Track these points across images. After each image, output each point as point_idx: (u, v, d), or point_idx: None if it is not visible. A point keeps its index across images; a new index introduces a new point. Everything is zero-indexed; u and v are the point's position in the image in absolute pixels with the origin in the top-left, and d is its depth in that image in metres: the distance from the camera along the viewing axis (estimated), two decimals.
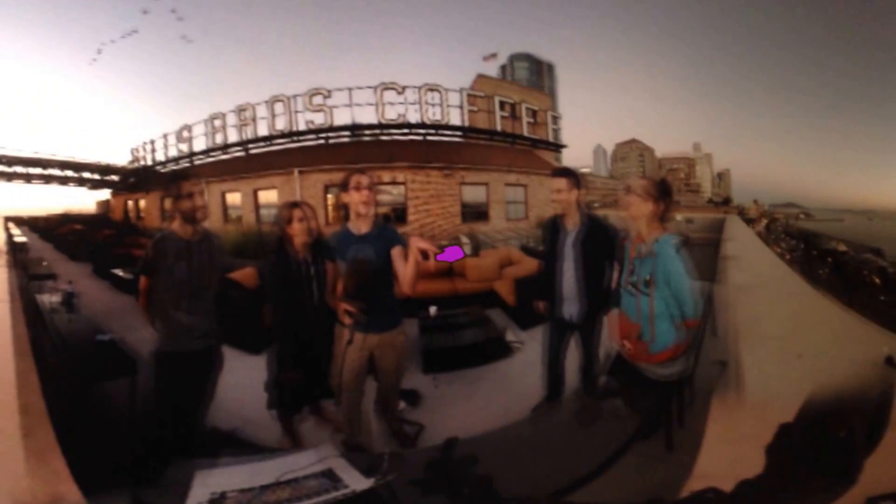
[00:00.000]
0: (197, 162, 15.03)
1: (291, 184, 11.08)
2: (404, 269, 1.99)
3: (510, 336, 3.50)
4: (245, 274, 4.33)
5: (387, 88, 12.44)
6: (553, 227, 2.49)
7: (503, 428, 2.38)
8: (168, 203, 2.00)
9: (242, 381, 2.28)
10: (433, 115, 13.29)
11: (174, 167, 15.40)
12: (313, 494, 1.34)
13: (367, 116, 11.53)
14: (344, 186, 2.08)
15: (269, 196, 12.03)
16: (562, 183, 2.40)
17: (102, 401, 2.48)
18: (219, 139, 14.84)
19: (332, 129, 12.44)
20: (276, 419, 2.19)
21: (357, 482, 1.35)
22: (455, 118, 13.82)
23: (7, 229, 8.51)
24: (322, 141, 12.55)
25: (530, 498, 1.56)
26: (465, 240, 9.12)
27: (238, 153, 14.00)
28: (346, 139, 12.76)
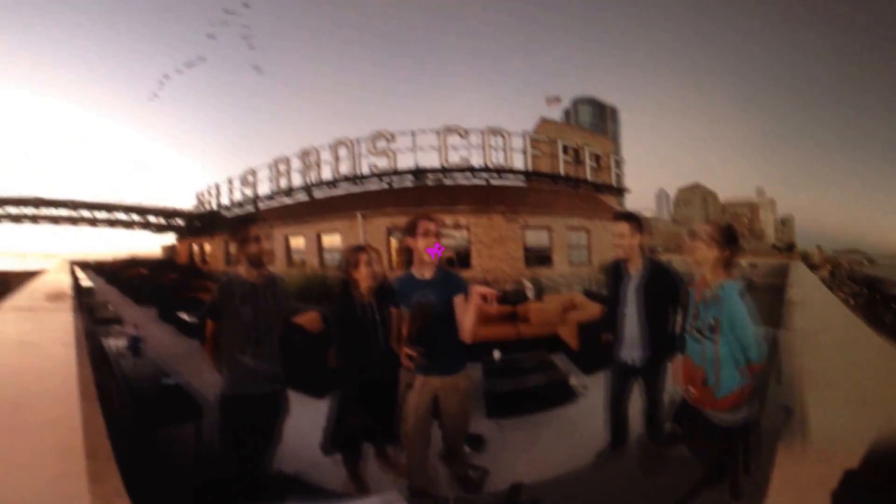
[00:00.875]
0: (261, 206, 15.38)
1: (355, 227, 11.15)
2: (465, 316, 1.93)
3: (574, 380, 3.41)
4: (309, 318, 4.29)
5: (450, 132, 12.52)
6: (616, 272, 2.39)
7: (568, 473, 2.34)
8: (233, 247, 1.97)
9: (307, 424, 2.23)
10: (496, 158, 13.35)
11: (239, 211, 15.77)
12: None
13: (431, 160, 11.59)
14: (410, 231, 2.03)
15: (332, 240, 12.15)
16: (624, 227, 2.31)
17: (168, 445, 2.43)
18: (283, 183, 15.19)
19: (395, 172, 12.56)
20: (340, 464, 2.10)
21: None
22: (518, 162, 13.85)
23: (73, 273, 8.67)
24: (385, 184, 12.66)
25: None
26: (528, 284, 8.98)
27: (302, 197, 14.24)
28: (409, 183, 12.85)
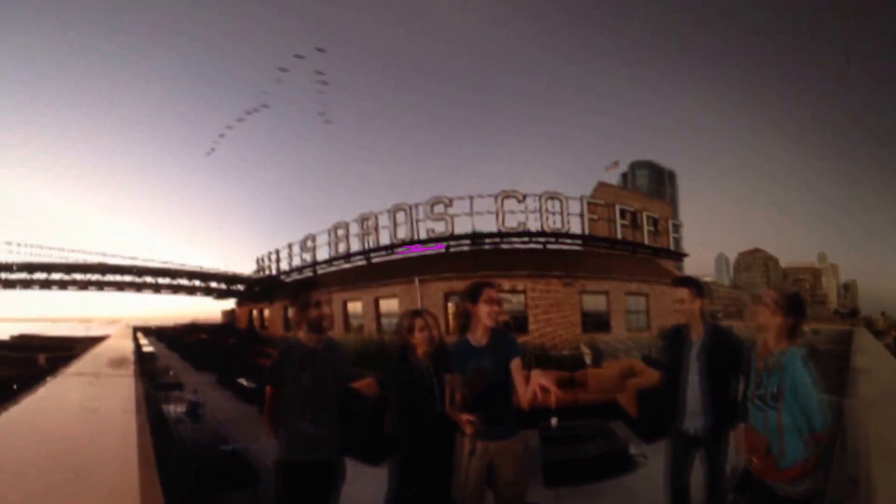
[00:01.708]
0: (320, 271, 15.57)
1: (412, 292, 11.17)
2: (522, 386, 1.88)
3: (633, 449, 3.30)
4: (366, 383, 4.26)
5: (507, 197, 12.55)
6: (676, 338, 2.31)
7: None
8: (292, 312, 1.96)
9: (364, 492, 2.18)
10: (553, 223, 13.28)
11: (298, 276, 15.98)
12: None
13: (488, 224, 11.60)
14: (472, 298, 2.00)
15: (389, 304, 12.19)
16: (684, 292, 2.24)
17: None
18: (341, 248, 15.39)
19: (452, 237, 12.61)
20: None
21: None
22: (575, 226, 13.76)
23: (136, 339, 8.85)
24: (443, 249, 12.69)
25: None
26: (585, 349, 8.81)
27: (360, 262, 14.40)
28: (466, 247, 12.88)
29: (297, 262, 17.10)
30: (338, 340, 2.10)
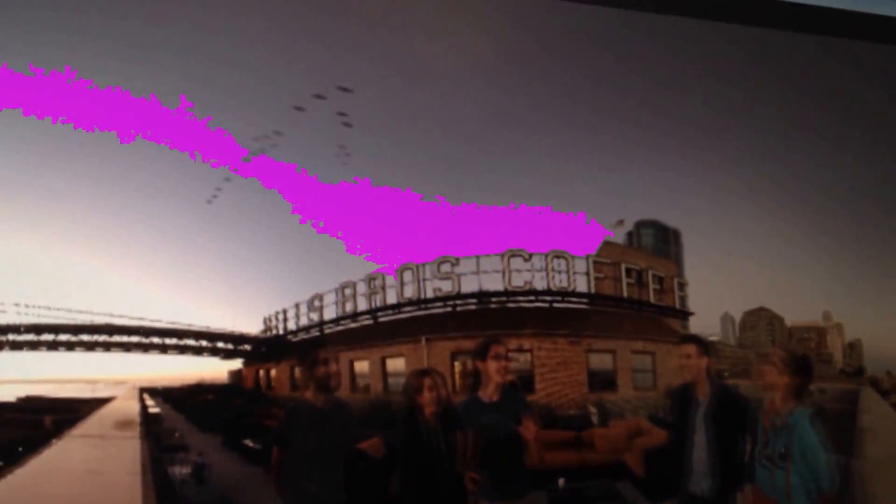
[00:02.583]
0: (326, 331, 15.48)
1: (419, 351, 11.12)
2: (529, 447, 1.95)
3: None
4: (372, 444, 4.25)
5: (514, 256, 12.58)
6: (683, 397, 2.36)
7: None
8: (299, 372, 2.02)
9: None
10: (559, 281, 13.28)
11: (305, 336, 15.88)
12: None
13: (494, 283, 11.62)
14: (481, 355, 2.07)
15: (396, 364, 12.11)
16: (690, 349, 2.31)
17: None
18: (348, 307, 15.33)
19: (459, 296, 12.60)
20: None
21: None
22: (581, 285, 13.73)
23: (142, 400, 8.85)
24: (449, 308, 12.67)
25: None
26: (592, 409, 8.79)
27: (367, 321, 14.34)
28: (472, 306, 12.86)
29: (304, 321, 17.02)
30: (345, 400, 2.15)
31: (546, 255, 14.16)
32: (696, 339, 2.47)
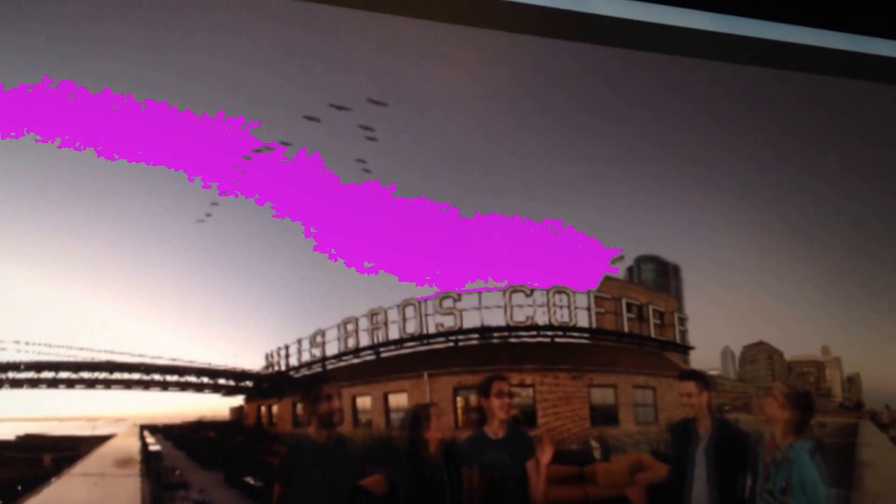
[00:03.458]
0: (329, 366, 15.40)
1: (421, 387, 11.08)
2: (535, 479, 1.99)
3: None
4: (375, 480, 4.26)
5: (515, 291, 12.59)
6: (684, 432, 2.40)
7: None
8: (301, 408, 2.04)
9: None
10: (561, 316, 13.26)
11: (307, 372, 15.82)
12: None
13: (496, 319, 11.62)
14: (484, 392, 2.11)
15: (398, 399, 12.06)
16: (690, 386, 2.37)
17: None
18: (351, 343, 15.28)
19: (461, 331, 12.59)
20: None
21: None
22: (583, 320, 13.70)
23: (142, 438, 8.80)
24: (451, 343, 12.66)
25: None
26: (594, 444, 8.73)
27: (369, 356, 14.29)
28: (474, 341, 12.84)
29: (306, 356, 16.92)
30: (348, 436, 2.17)
31: (548, 291, 14.17)
32: (695, 376, 2.51)
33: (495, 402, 2.22)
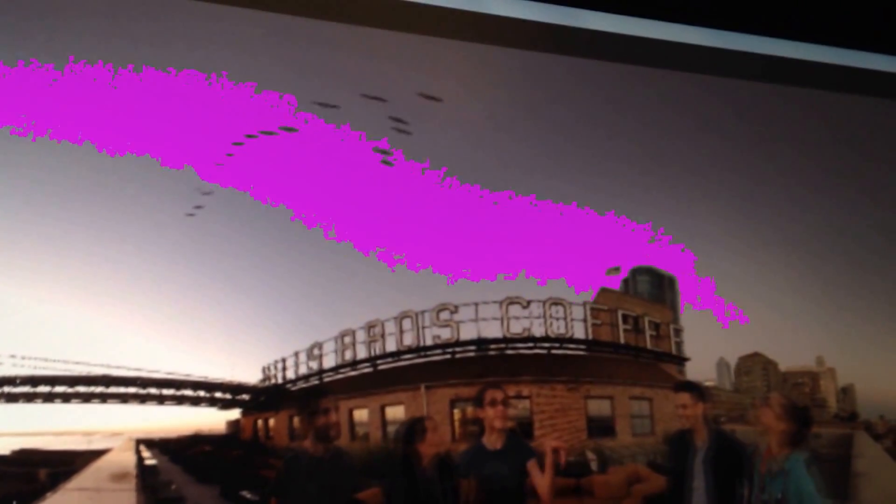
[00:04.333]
0: (326, 379, 15.36)
1: (418, 399, 11.06)
2: (541, 479, 1.99)
3: None
4: (371, 494, 4.26)
5: (512, 303, 12.59)
6: (680, 443, 2.42)
7: None
8: (298, 421, 2.05)
9: None
10: (557, 328, 13.26)
11: (304, 385, 15.77)
12: None
13: (493, 331, 11.62)
14: (478, 402, 2.11)
15: (395, 412, 12.02)
16: (685, 398, 2.40)
17: None
18: (348, 355, 15.22)
19: (458, 343, 12.58)
20: None
21: None
22: (579, 331, 13.69)
23: (138, 452, 8.78)
24: (448, 355, 12.64)
25: None
26: (591, 455, 8.71)
27: (366, 369, 14.27)
28: (471, 353, 12.83)
29: (303, 369, 16.83)
30: (345, 449, 2.17)
31: (544, 303, 14.18)
32: (689, 387, 2.53)
33: (490, 412, 2.23)
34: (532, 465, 2.16)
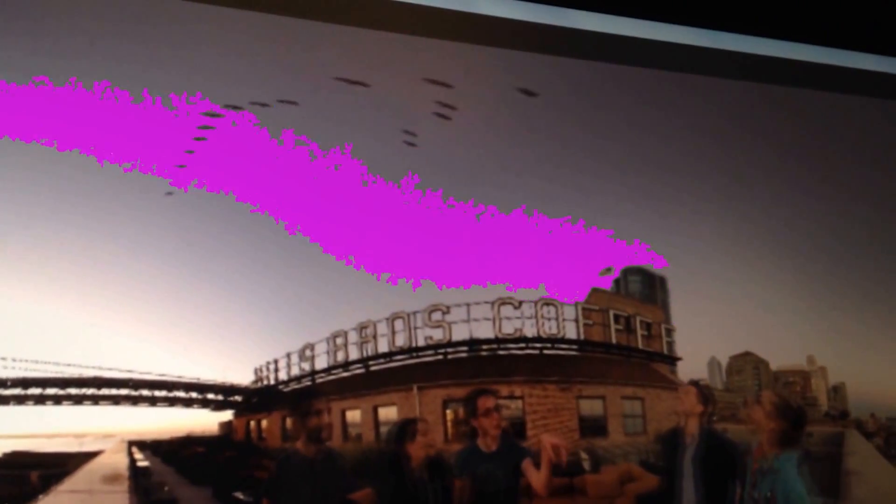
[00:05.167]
0: (318, 380, 15.33)
1: (411, 400, 11.05)
2: (538, 475, 2.00)
3: None
4: (364, 494, 4.26)
5: (504, 303, 12.59)
6: (672, 442, 2.43)
7: None
8: (291, 422, 2.06)
9: None
10: (549, 328, 13.26)
11: (296, 386, 15.75)
12: None
13: (485, 331, 11.62)
14: (472, 412, 2.12)
15: (388, 413, 12.01)
16: (693, 392, 2.38)
17: None
18: (340, 356, 15.20)
19: (450, 344, 12.57)
20: None
21: None
22: (571, 331, 13.69)
23: (131, 454, 8.74)
24: (440, 356, 12.62)
25: None
26: (584, 455, 8.72)
27: (358, 370, 14.24)
28: (463, 354, 12.81)
29: (295, 370, 16.79)
30: (338, 450, 2.17)
31: (536, 303, 14.18)
32: (699, 386, 2.55)
33: (485, 422, 2.24)
34: (527, 464, 2.16)
